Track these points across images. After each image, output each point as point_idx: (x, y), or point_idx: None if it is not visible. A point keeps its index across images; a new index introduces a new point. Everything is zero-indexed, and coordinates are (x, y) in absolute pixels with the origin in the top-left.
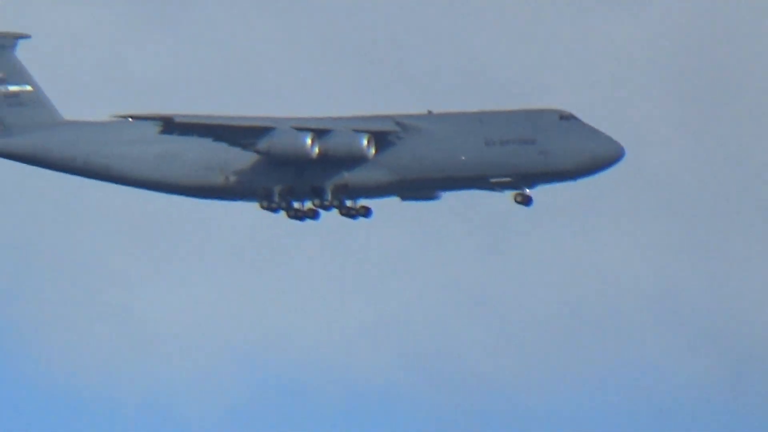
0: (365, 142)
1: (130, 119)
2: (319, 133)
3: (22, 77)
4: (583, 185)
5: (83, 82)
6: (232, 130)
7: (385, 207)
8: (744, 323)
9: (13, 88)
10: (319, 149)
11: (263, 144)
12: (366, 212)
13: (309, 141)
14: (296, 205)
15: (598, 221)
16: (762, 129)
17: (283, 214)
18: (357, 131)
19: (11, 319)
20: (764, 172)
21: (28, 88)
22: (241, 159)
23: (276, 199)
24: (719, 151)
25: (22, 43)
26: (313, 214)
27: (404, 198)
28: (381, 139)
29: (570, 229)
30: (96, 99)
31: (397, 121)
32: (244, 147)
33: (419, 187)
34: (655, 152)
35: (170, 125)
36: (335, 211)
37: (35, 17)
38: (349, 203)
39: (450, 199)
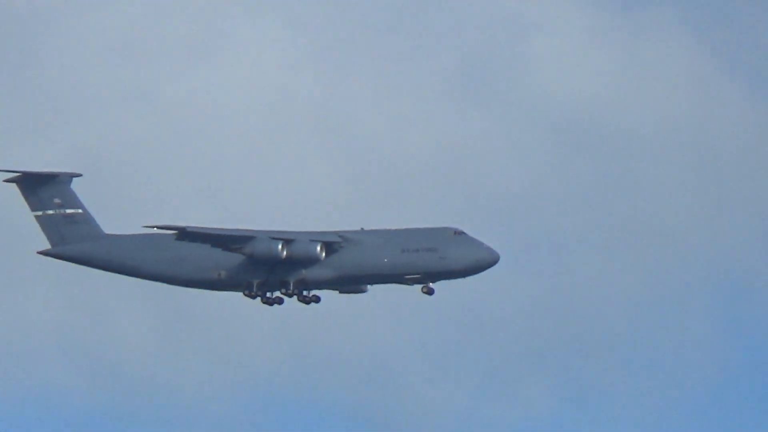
0: (319, 248)
1: (155, 229)
2: (287, 242)
3: (75, 203)
4: (471, 280)
5: (119, 207)
6: (225, 239)
7: (328, 297)
8: None
9: (68, 211)
10: (286, 252)
11: (248, 248)
12: (317, 299)
13: (280, 247)
14: (268, 294)
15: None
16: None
17: (258, 300)
18: (313, 241)
19: None
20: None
21: (79, 211)
22: (230, 260)
23: (254, 289)
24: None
25: (75, 180)
26: (280, 301)
27: (341, 291)
28: (329, 247)
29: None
30: (129, 217)
31: (340, 234)
32: (234, 251)
33: (355, 281)
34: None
35: (183, 234)
36: (295, 298)
37: (87, 159)
38: (305, 293)
39: (375, 290)
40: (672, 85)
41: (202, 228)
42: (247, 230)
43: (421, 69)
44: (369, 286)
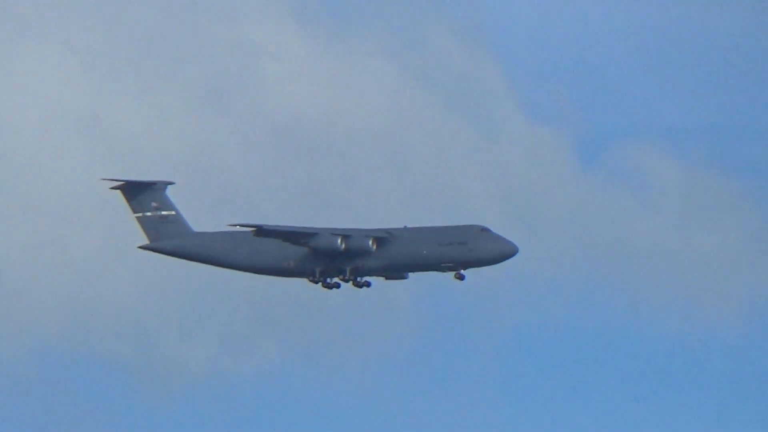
0: (371, 242)
1: (236, 227)
2: (345, 237)
3: (169, 206)
4: (495, 268)
5: (205, 207)
6: (296, 234)
7: (375, 282)
8: None
9: (164, 213)
10: (344, 246)
11: (313, 242)
12: (368, 284)
13: (339, 241)
14: (328, 280)
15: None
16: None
17: (320, 285)
18: (366, 236)
19: None
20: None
21: (173, 212)
22: (298, 252)
23: (317, 276)
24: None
25: (169, 187)
26: (338, 286)
27: (387, 278)
28: (379, 241)
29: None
30: (213, 216)
31: (388, 231)
32: (301, 245)
33: (399, 269)
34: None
35: (260, 231)
36: (350, 284)
37: (177, 168)
38: (358, 279)
39: (414, 277)
40: (372, 99)
41: (276, 226)
42: (312, 228)
43: (176, 86)
44: (410, 273)
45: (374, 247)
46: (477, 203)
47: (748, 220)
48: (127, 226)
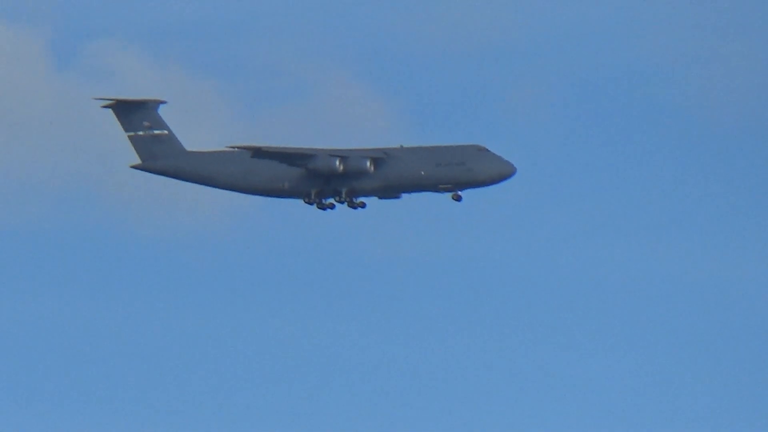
0: (369, 163)
1: (234, 149)
2: (343, 158)
3: (161, 125)
4: (492, 189)
5: (199, 126)
6: (294, 156)
7: (371, 204)
8: None
9: (156, 132)
10: (342, 167)
11: (311, 163)
12: (363, 205)
13: (338, 162)
14: (325, 201)
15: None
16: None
17: (315, 206)
18: (363, 157)
19: None
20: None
21: (165, 132)
22: (294, 173)
23: (312, 197)
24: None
25: (162, 106)
26: (332, 207)
27: (380, 197)
28: (376, 161)
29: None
30: (207, 135)
31: (385, 151)
32: (298, 166)
33: (396, 190)
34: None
35: (258, 153)
36: (345, 205)
37: (170, 87)
38: (354, 200)
39: (408, 198)
40: None
41: (275, 147)
42: (310, 148)
43: None
44: (403, 194)
45: (372, 167)
46: None
47: None
48: (119, 145)
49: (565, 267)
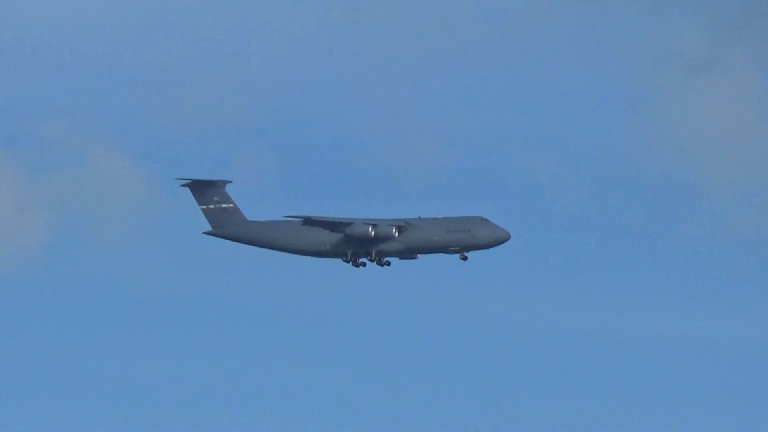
0: (394, 230)
1: (287, 218)
2: (374, 225)
3: (228, 200)
4: (493, 251)
5: (257, 201)
6: (335, 224)
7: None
8: None
9: (224, 206)
10: (374, 233)
11: (349, 230)
12: (389, 264)
13: (370, 229)
14: (358, 260)
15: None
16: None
17: (351, 264)
18: (390, 225)
19: None
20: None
21: (231, 205)
22: (334, 238)
23: (349, 257)
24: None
25: (228, 185)
26: (364, 264)
27: (400, 258)
28: (400, 229)
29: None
30: (268, 207)
31: (406, 221)
32: (339, 232)
33: (415, 252)
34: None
35: (308, 221)
36: (374, 263)
37: (234, 169)
38: (382, 260)
39: (424, 258)
40: None
41: (321, 216)
42: (347, 218)
43: None
44: (420, 255)
45: (396, 233)
46: None
47: None
48: (195, 216)
49: (546, 317)
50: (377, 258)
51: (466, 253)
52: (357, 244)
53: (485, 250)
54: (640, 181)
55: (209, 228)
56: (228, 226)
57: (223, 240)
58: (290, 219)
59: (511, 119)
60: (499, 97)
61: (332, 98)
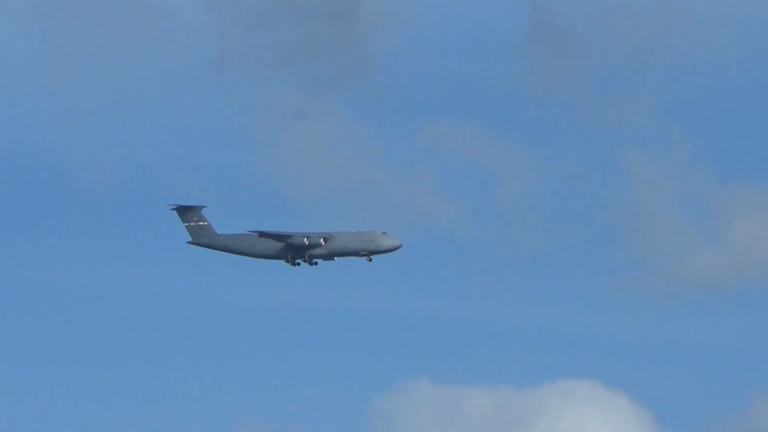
0: (322, 240)
1: (249, 232)
2: (307, 237)
3: (202, 219)
4: (388, 256)
5: (225, 217)
6: (281, 236)
7: (320, 263)
8: None
9: (201, 223)
10: (308, 242)
11: (290, 240)
12: (316, 263)
13: (305, 240)
14: (295, 261)
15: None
16: None
17: (290, 264)
18: (319, 236)
19: None
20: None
21: (206, 223)
22: (279, 246)
23: (289, 259)
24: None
25: (204, 209)
26: (299, 264)
27: (324, 260)
28: (326, 240)
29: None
30: (234, 220)
31: (330, 234)
32: (282, 241)
33: (335, 255)
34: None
35: (263, 234)
36: (307, 263)
37: (209, 194)
38: (312, 261)
39: (341, 260)
40: None
41: (271, 231)
42: (290, 232)
43: None
44: (337, 258)
45: (323, 242)
46: None
47: None
48: (180, 231)
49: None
50: (309, 260)
51: (371, 257)
52: (295, 250)
53: (384, 255)
54: None
55: (190, 239)
56: (203, 237)
57: (201, 248)
58: (250, 233)
59: None
60: None
61: None
